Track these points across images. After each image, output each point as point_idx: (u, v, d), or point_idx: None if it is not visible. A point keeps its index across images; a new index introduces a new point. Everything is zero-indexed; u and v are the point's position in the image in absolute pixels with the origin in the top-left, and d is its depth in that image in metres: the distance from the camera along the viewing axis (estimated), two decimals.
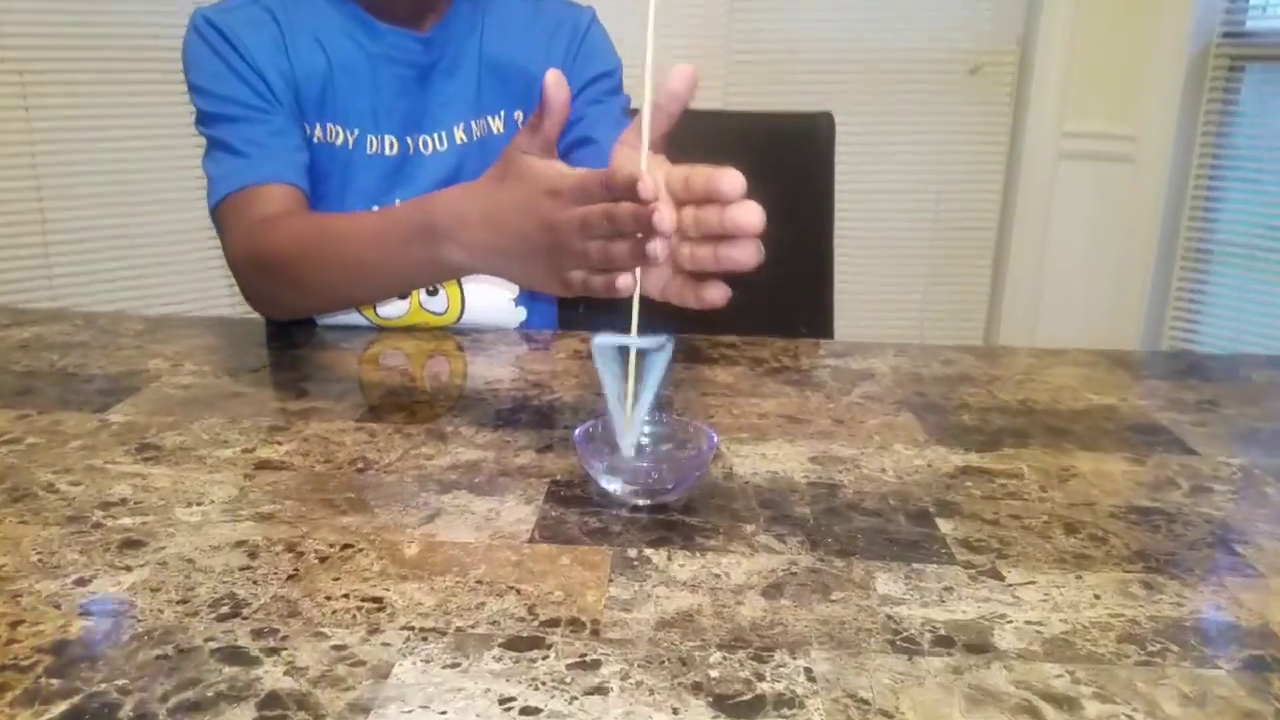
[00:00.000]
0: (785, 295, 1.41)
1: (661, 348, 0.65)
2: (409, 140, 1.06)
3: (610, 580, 0.56)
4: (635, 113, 0.65)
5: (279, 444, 0.74)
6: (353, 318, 1.06)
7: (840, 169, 1.41)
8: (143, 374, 0.88)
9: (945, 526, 0.63)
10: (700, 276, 0.65)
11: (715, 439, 0.67)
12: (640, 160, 0.63)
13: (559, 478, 0.69)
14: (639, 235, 0.62)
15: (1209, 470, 0.74)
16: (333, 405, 0.82)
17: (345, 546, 0.59)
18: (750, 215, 0.60)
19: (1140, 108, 2.52)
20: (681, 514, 0.64)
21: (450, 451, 0.73)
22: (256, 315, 1.10)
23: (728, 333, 1.03)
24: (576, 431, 0.67)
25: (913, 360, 0.97)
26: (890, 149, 2.64)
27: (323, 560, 0.57)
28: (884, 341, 1.03)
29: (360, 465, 0.70)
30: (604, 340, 0.65)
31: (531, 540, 0.60)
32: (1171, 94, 2.47)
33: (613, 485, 0.65)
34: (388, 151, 1.06)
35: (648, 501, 0.65)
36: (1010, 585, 0.57)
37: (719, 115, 1.49)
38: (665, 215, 0.60)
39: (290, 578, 0.55)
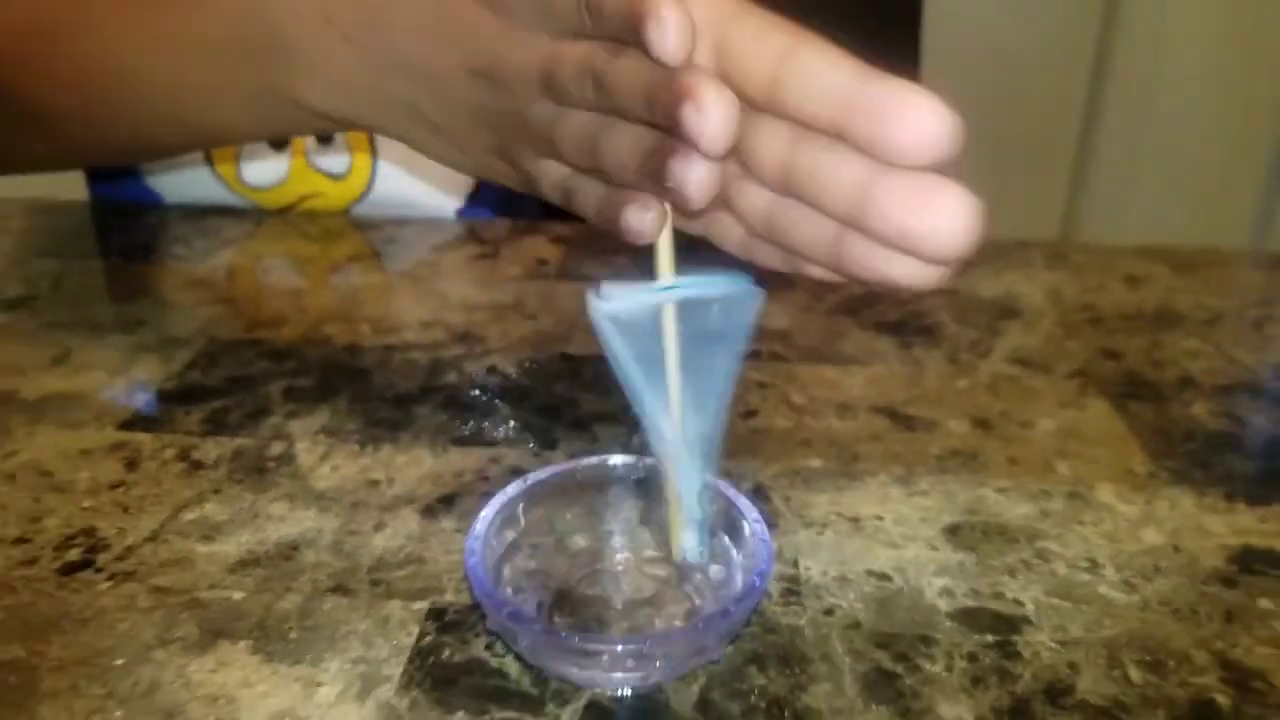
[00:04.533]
0: None
1: (741, 297, 0.30)
2: None
3: None
4: None
5: None
6: (209, 188, 0.70)
7: None
8: None
9: None
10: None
11: (769, 562, 0.31)
12: None
13: (448, 597, 0.34)
14: (663, 133, 0.28)
15: None
16: (99, 385, 0.47)
17: None
18: (950, 233, 0.27)
19: None
20: None
21: (257, 514, 0.38)
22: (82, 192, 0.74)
23: None
24: (474, 530, 0.32)
25: (1077, 276, 0.61)
26: None
27: None
28: (1026, 239, 0.66)
29: (76, 553, 0.36)
30: (618, 299, 0.30)
31: None
32: None
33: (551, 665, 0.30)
34: None
35: (622, 688, 0.30)
36: None
37: None
38: (712, 104, 0.26)
39: None
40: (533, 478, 0.34)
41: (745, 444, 0.43)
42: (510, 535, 0.34)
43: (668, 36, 0.26)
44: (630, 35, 0.27)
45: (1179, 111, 2.20)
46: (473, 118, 0.35)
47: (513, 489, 0.34)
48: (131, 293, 0.57)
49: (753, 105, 0.29)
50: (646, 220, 0.30)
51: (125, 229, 0.67)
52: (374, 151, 0.70)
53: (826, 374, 0.49)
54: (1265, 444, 0.44)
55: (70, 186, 0.73)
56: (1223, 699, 0.31)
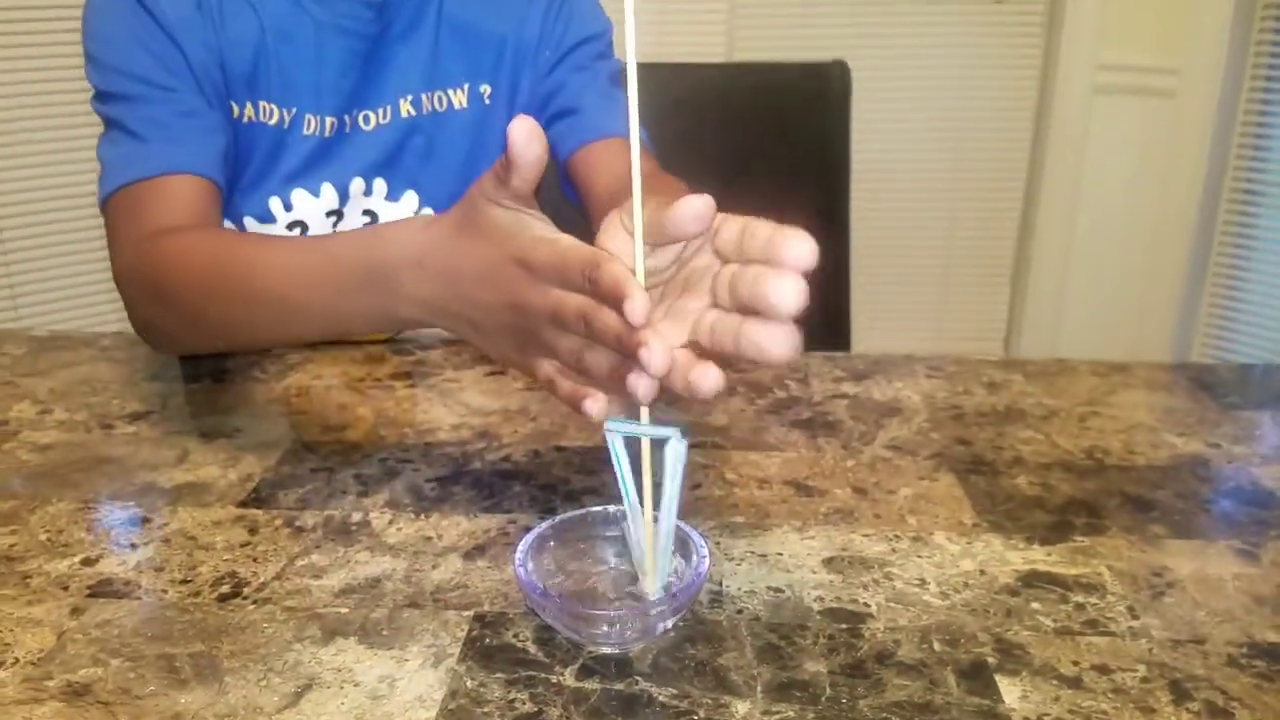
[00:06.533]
0: None
1: (668, 439, 0.47)
2: (347, 118, 0.88)
3: None
4: (625, 78, 0.48)
5: (131, 548, 0.56)
6: None
7: (855, 121, 1.21)
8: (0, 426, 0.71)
9: (1011, 694, 0.46)
10: (698, 350, 0.48)
11: (707, 560, 0.49)
12: (634, 253, 0.48)
13: (485, 608, 0.51)
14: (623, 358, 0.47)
15: None
16: (216, 477, 0.64)
17: None
18: (789, 294, 0.44)
19: (1185, 38, 2.27)
20: (647, 680, 0.46)
21: (349, 560, 0.55)
22: None
23: None
24: (518, 550, 0.50)
25: (950, 383, 0.79)
26: (909, 95, 2.40)
27: None
28: (913, 353, 0.85)
29: (226, 588, 0.53)
30: (621, 427, 0.49)
31: None
32: (1220, 22, 2.22)
33: (564, 627, 0.48)
34: (327, 133, 0.87)
35: (609, 649, 0.48)
36: None
37: (720, 69, 1.29)
38: (656, 352, 0.44)
39: None
40: (544, 526, 0.52)
41: (691, 508, 0.61)
42: (533, 561, 0.51)
43: (635, 312, 0.44)
44: (611, 302, 0.45)
45: (1102, 238, 2.44)
46: (503, 331, 0.52)
47: (534, 533, 0.51)
48: (226, 407, 0.75)
49: (723, 254, 0.48)
50: (597, 407, 0.49)
51: (208, 357, 0.84)
52: None
53: (752, 458, 0.67)
54: (1061, 504, 0.62)
55: None
56: (991, 659, 0.48)
